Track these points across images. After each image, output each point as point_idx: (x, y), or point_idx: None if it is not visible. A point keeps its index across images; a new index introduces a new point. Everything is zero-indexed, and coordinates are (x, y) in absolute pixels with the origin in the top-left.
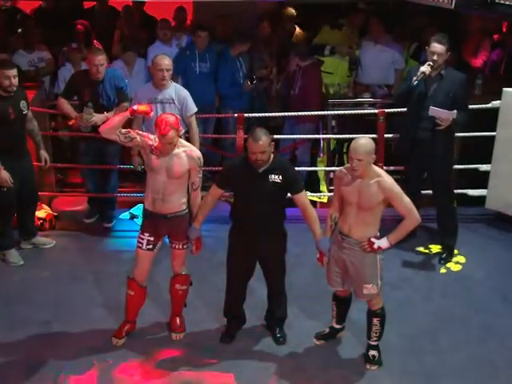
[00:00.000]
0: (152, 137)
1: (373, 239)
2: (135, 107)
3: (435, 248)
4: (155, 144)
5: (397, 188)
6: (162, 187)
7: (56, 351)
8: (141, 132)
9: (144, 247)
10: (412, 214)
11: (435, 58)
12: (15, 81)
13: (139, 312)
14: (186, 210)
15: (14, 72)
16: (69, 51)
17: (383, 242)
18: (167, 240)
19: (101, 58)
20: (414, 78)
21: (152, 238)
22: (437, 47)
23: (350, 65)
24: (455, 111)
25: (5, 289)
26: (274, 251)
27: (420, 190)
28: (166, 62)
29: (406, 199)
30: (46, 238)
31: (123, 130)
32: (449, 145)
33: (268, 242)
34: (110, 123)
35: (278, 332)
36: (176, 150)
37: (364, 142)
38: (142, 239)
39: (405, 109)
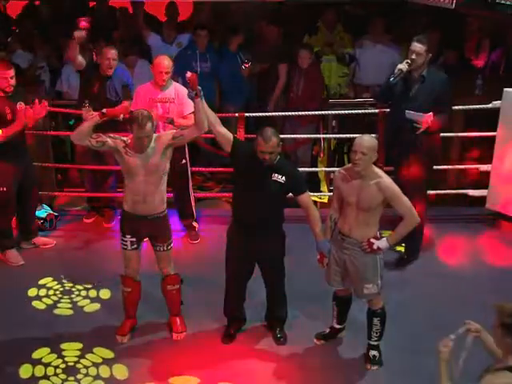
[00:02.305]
0: (124, 138)
1: (372, 240)
2: (104, 110)
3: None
4: (128, 141)
5: (396, 188)
6: (142, 188)
7: (57, 351)
8: (111, 135)
9: (129, 248)
10: (411, 215)
11: (413, 56)
12: (13, 81)
13: (140, 313)
14: (166, 211)
15: (11, 73)
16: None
17: (383, 243)
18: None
19: (113, 52)
20: (392, 76)
21: (134, 239)
22: (416, 46)
23: (339, 61)
24: (431, 114)
25: (5, 289)
26: (272, 253)
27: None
28: (166, 63)
29: (405, 199)
30: (46, 238)
31: (94, 135)
32: (431, 149)
33: (266, 243)
34: (80, 129)
35: (278, 332)
36: (151, 144)
37: (369, 138)
38: (126, 241)
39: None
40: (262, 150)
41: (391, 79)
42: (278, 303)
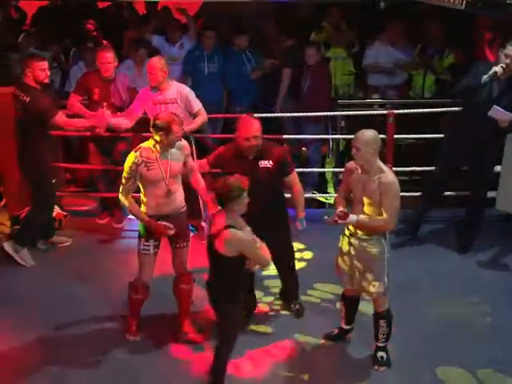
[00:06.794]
0: (135, 159)
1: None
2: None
3: None
4: (142, 155)
5: (395, 189)
6: (165, 189)
7: (66, 350)
8: (129, 177)
9: (151, 252)
10: (391, 219)
11: (508, 61)
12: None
13: (144, 313)
14: (186, 207)
15: (46, 64)
16: (85, 50)
17: (352, 218)
18: None
19: (110, 56)
20: (485, 77)
21: (157, 243)
22: (510, 50)
23: (349, 55)
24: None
25: (15, 288)
26: (280, 236)
27: (444, 190)
28: (154, 63)
29: (397, 205)
30: (62, 237)
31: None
32: (501, 147)
33: (272, 229)
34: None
35: (294, 305)
36: (173, 149)
37: (366, 132)
38: (148, 246)
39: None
40: (248, 135)
41: (484, 79)
42: (291, 281)
